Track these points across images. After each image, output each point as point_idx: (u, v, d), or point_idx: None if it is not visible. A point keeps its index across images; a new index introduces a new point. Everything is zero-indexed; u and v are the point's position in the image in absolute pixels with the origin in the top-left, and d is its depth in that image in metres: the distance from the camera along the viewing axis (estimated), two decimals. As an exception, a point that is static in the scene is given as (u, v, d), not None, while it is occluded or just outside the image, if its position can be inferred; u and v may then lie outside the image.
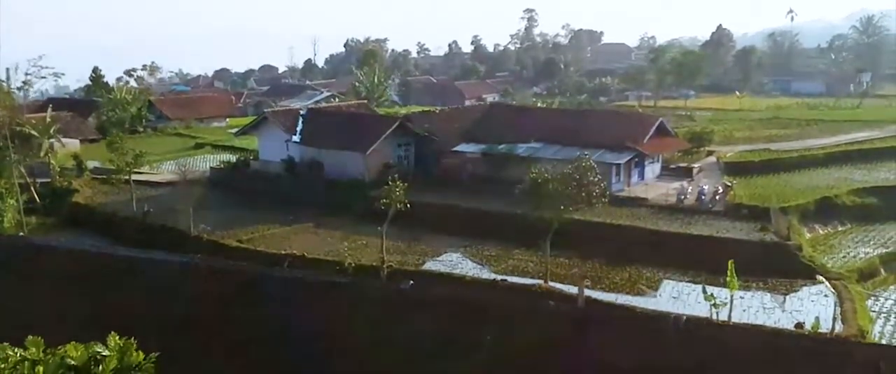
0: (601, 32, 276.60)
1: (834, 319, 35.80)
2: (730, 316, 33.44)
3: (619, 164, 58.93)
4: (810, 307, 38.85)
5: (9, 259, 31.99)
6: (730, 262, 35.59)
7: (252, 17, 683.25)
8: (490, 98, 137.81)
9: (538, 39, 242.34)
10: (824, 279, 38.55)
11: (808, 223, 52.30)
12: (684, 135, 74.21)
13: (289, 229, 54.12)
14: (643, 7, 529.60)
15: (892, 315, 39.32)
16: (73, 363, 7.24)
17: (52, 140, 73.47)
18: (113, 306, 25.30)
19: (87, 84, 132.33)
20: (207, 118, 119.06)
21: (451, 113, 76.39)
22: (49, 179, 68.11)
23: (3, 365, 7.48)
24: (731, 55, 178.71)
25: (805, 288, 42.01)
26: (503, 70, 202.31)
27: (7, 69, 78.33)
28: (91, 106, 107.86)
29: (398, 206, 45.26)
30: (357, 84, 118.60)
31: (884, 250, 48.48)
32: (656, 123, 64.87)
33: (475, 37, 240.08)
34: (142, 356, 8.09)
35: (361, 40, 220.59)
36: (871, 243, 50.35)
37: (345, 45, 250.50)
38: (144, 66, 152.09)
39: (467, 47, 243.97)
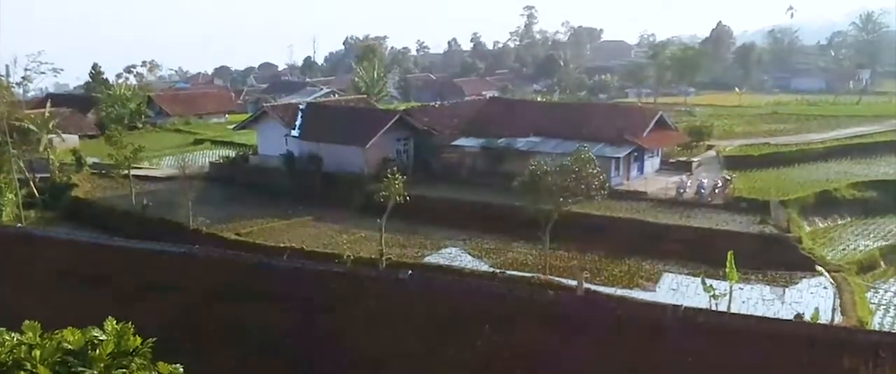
0: (601, 30, 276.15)
1: (833, 310, 35.82)
2: (729, 307, 33.41)
3: (618, 157, 58.88)
4: (810, 299, 38.86)
5: (5, 249, 31.81)
6: (729, 253, 35.58)
7: (252, 16, 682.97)
8: (489, 95, 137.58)
9: (538, 37, 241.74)
10: (823, 270, 38.54)
11: (807, 217, 52.24)
12: (684, 129, 74.12)
13: (287, 223, 54.15)
14: (643, 5, 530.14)
15: (892, 307, 39.32)
16: (69, 346, 7.18)
17: (51, 136, 73.38)
18: (110, 295, 25.17)
19: (87, 81, 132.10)
20: (207, 114, 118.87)
21: (451, 108, 76.29)
22: (48, 175, 68.12)
23: (-1, 349, 7.45)
24: (730, 52, 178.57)
25: (804, 280, 41.99)
26: (503, 67, 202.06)
27: (6, 66, 78.12)
28: (90, 102, 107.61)
29: (397, 199, 45.24)
30: (356, 79, 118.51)
31: (883, 243, 48.45)
32: (656, 117, 64.84)
33: (474, 34, 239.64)
34: (139, 340, 8.03)
35: (361, 38, 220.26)
36: (871, 236, 50.31)
37: (344, 43, 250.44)
38: (144, 62, 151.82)
39: (467, 45, 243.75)
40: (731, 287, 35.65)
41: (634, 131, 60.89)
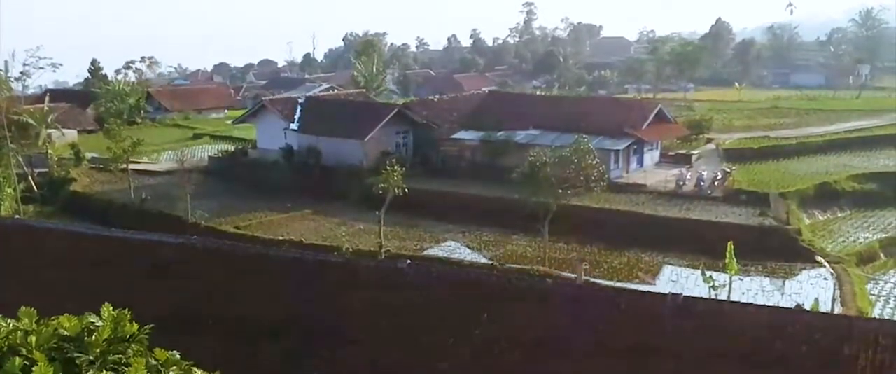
0: (600, 26, 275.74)
1: (833, 300, 35.77)
2: (729, 298, 33.34)
3: (617, 150, 58.78)
4: (809, 290, 38.81)
5: (3, 240, 31.74)
6: (729, 243, 35.49)
7: (251, 13, 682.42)
8: (488, 90, 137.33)
9: (537, 33, 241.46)
10: (823, 261, 38.48)
11: (807, 209, 52.19)
12: (683, 123, 74.04)
13: (286, 216, 54.10)
14: (643, 3, 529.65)
15: (892, 298, 39.27)
16: (66, 333, 7.08)
17: (50, 131, 73.29)
18: (108, 285, 25.14)
19: (86, 78, 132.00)
20: (206, 110, 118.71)
21: (450, 101, 76.17)
22: (47, 170, 68.05)
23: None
24: (730, 48, 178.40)
25: (804, 272, 41.95)
26: (502, 64, 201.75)
27: (5, 62, 78.11)
28: (89, 97, 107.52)
29: (396, 191, 45.18)
30: (355, 74, 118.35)
31: (883, 235, 48.39)
32: (655, 110, 64.75)
33: (474, 30, 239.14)
34: (136, 327, 7.93)
35: (360, 34, 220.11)
36: (871, 228, 50.26)
37: (344, 40, 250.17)
38: (143, 58, 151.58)
39: (466, 41, 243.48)
40: (730, 278, 35.60)
41: (634, 124, 60.81)
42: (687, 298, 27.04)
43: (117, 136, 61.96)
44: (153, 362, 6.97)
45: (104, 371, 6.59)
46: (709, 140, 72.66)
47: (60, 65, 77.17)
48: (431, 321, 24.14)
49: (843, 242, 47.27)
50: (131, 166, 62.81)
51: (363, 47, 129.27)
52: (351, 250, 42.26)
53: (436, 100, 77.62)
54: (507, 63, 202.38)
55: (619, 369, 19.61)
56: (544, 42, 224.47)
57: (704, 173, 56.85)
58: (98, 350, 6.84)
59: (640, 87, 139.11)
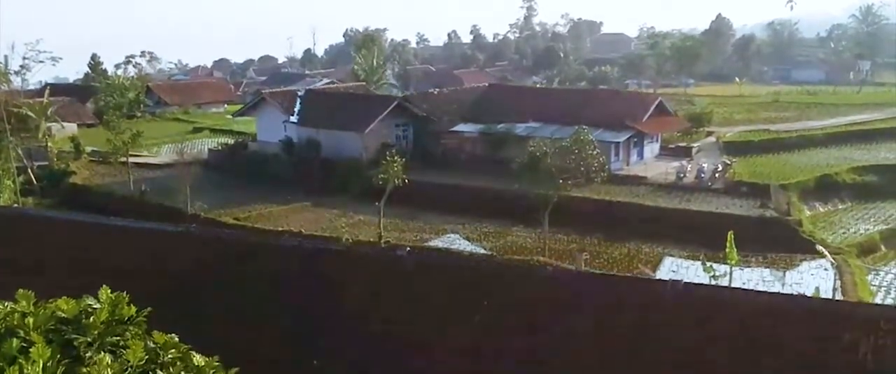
0: (600, 23, 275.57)
1: (834, 291, 35.67)
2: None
3: (617, 142, 58.67)
4: (810, 281, 38.72)
5: (2, 229, 31.68)
6: (729, 233, 35.39)
7: (252, 10, 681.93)
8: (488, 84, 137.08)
9: (537, 29, 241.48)
10: (824, 250, 38.37)
11: (808, 201, 52.11)
12: (683, 116, 73.97)
13: (286, 208, 54.00)
14: (643, 2, 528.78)
15: (893, 289, 39.19)
16: (64, 315, 7.01)
17: (50, 124, 73.21)
18: (107, 273, 24.55)
19: (86, 73, 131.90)
20: (206, 104, 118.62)
21: (450, 94, 76.05)
22: (46, 163, 67.96)
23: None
24: (730, 44, 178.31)
25: (805, 263, 41.87)
26: (502, 59, 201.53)
27: (5, 57, 77.95)
28: (89, 92, 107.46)
29: (396, 182, 45.10)
30: (355, 67, 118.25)
31: (884, 227, 48.31)
32: (655, 103, 64.66)
33: (474, 26, 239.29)
34: (134, 309, 7.86)
35: (361, 30, 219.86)
36: (871, 220, 50.18)
37: (344, 36, 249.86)
38: (143, 52, 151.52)
39: (467, 37, 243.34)
40: (731, 269, 35.53)
41: (634, 117, 60.69)
42: (687, 284, 26.96)
43: (117, 127, 61.86)
44: (151, 344, 6.89)
45: (102, 352, 6.51)
46: (709, 133, 72.64)
47: (60, 59, 77.01)
48: (431, 307, 24.02)
49: (844, 233, 47.19)
50: (131, 159, 62.80)
51: (363, 41, 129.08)
52: (350, 240, 42.18)
53: (436, 93, 77.51)
54: (508, 59, 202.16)
55: (619, 353, 19.53)
56: (544, 38, 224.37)
57: (705, 166, 56.81)
58: (96, 332, 6.77)
59: (641, 82, 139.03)
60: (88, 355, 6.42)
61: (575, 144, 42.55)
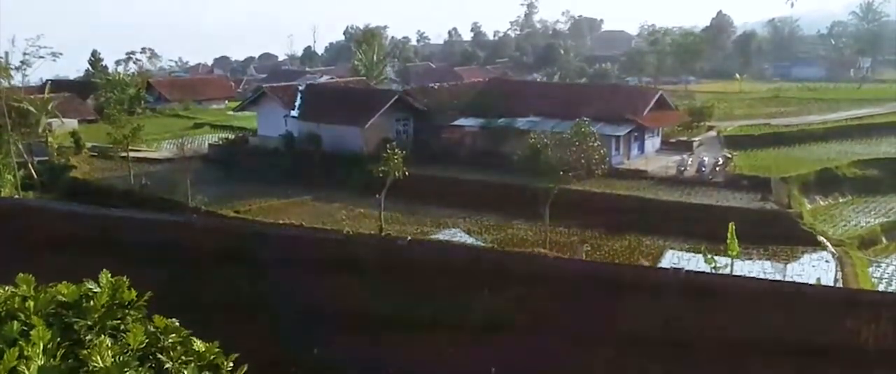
0: (601, 20, 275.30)
1: (835, 282, 35.66)
2: (730, 278, 33.19)
3: (618, 136, 58.56)
4: (811, 272, 38.69)
5: (2, 220, 31.51)
6: (730, 224, 35.36)
7: (252, 8, 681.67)
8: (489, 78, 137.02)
9: (538, 26, 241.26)
10: (826, 241, 38.38)
11: (808, 194, 52.09)
12: (684, 111, 73.94)
13: (286, 202, 53.99)
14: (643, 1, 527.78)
15: (894, 281, 39.14)
16: (64, 299, 6.99)
17: (50, 120, 73.18)
18: (106, 261, 24.40)
19: (87, 69, 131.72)
20: (206, 100, 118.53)
21: (450, 89, 76.00)
22: (47, 158, 67.93)
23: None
24: (731, 41, 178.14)
25: (806, 255, 41.86)
26: (503, 57, 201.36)
27: (6, 53, 77.92)
28: (90, 88, 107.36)
29: (396, 174, 45.10)
30: (356, 62, 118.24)
31: (885, 220, 48.29)
32: (656, 97, 64.62)
33: (475, 24, 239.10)
34: (134, 294, 7.83)
35: (361, 28, 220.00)
36: (873, 213, 50.17)
37: (344, 33, 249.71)
38: (144, 49, 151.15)
39: (467, 35, 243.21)
40: (732, 261, 35.50)
41: (634, 111, 60.65)
42: (689, 272, 26.96)
43: (118, 121, 61.84)
44: (152, 328, 6.86)
45: (102, 336, 6.49)
46: (710, 128, 72.59)
47: (60, 54, 76.97)
48: (432, 296, 23.99)
49: (845, 226, 47.17)
50: (131, 154, 62.81)
51: (364, 37, 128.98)
52: (351, 233, 42.12)
53: (436, 87, 77.47)
54: (508, 56, 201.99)
55: (620, 341, 19.52)
56: (545, 35, 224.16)
57: (706, 159, 56.80)
58: (96, 316, 6.74)
59: (641, 79, 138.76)
60: (89, 338, 6.40)
61: (576, 137, 42.52)
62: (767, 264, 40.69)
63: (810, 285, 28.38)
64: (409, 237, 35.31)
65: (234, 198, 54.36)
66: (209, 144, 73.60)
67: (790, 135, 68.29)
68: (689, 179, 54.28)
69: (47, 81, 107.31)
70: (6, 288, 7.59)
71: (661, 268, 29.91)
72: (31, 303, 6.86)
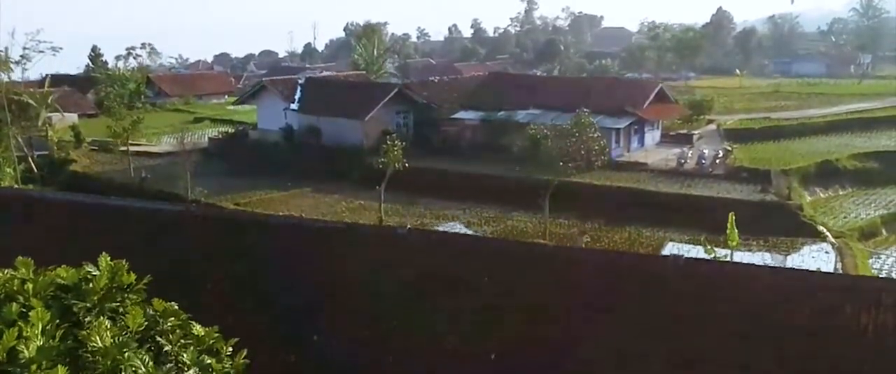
0: (601, 17, 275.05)
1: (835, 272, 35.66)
2: (730, 268, 33.18)
3: (618, 128, 58.51)
4: (811, 263, 38.73)
5: (2, 210, 31.34)
6: (730, 214, 35.34)
7: (252, 4, 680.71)
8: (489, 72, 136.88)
9: (538, 23, 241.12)
10: (826, 231, 38.38)
11: (808, 187, 52.10)
12: (684, 104, 73.93)
13: (286, 194, 54.04)
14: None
15: (894, 272, 39.13)
16: (63, 282, 6.98)
17: (50, 114, 73.12)
18: (106, 250, 24.37)
19: (87, 65, 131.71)
20: (206, 95, 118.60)
21: (450, 83, 76.00)
22: (47, 152, 67.92)
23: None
24: (731, 37, 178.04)
25: (806, 246, 41.89)
26: (503, 53, 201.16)
27: (5, 48, 77.84)
28: (90, 83, 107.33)
29: (396, 166, 45.13)
30: (356, 57, 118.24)
31: (885, 212, 48.32)
32: (656, 90, 64.57)
33: (475, 20, 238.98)
34: (133, 277, 7.83)
35: (361, 24, 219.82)
36: (873, 205, 50.22)
37: (344, 30, 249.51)
38: (144, 44, 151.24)
39: (467, 31, 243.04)
40: (732, 251, 35.48)
41: (634, 104, 60.57)
42: (689, 259, 26.87)
43: (118, 114, 61.84)
44: (151, 311, 6.85)
45: (101, 318, 6.47)
46: (710, 121, 72.62)
47: (60, 49, 76.89)
48: (432, 284, 23.92)
49: (845, 218, 47.16)
50: (131, 148, 62.86)
51: (364, 32, 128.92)
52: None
53: (436, 81, 77.40)
54: (508, 53, 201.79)
55: (620, 330, 19.51)
56: (545, 32, 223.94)
57: (706, 152, 56.81)
58: (95, 298, 6.73)
59: (641, 75, 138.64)
60: (88, 320, 6.40)
61: (575, 128, 42.48)
62: (767, 255, 40.71)
63: (809, 271, 28.34)
64: (409, 226, 35.24)
65: (233, 190, 54.36)
66: (209, 138, 73.57)
67: (790, 128, 68.31)
68: (689, 171, 54.31)
69: (47, 75, 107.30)
70: (5, 271, 7.58)
71: (660, 255, 29.96)
72: (30, 285, 6.85)
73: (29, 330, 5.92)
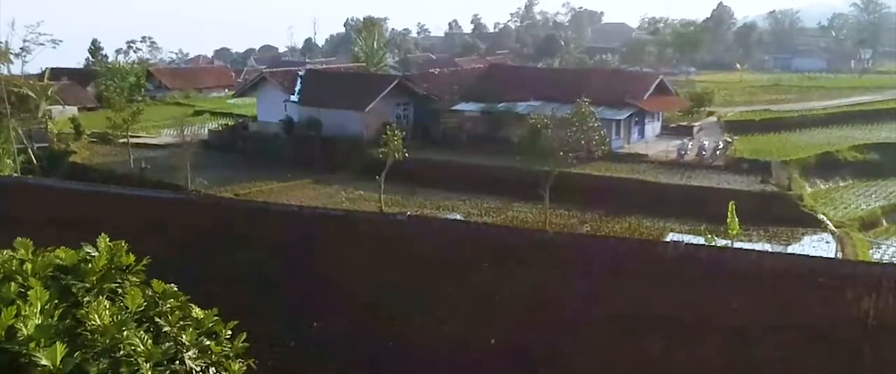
0: (602, 13, 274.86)
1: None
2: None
3: (618, 120, 58.51)
4: (812, 253, 38.59)
5: (2, 197, 31.51)
6: (731, 203, 35.34)
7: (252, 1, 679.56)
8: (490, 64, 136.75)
9: (538, 18, 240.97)
10: (827, 220, 38.39)
11: (809, 178, 52.14)
12: (685, 96, 73.91)
13: (286, 185, 53.96)
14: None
15: (894, 262, 39.07)
16: (62, 263, 6.95)
17: (51, 107, 73.08)
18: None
19: (87, 58, 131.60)
20: (207, 89, 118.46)
21: (451, 74, 75.88)
22: (46, 144, 67.86)
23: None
24: (731, 32, 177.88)
25: (806, 237, 41.86)
26: (503, 48, 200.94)
27: (6, 40, 77.85)
28: (90, 76, 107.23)
29: (396, 156, 45.10)
30: (356, 49, 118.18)
31: (885, 202, 48.36)
32: (656, 81, 64.50)
33: (475, 16, 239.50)
34: (133, 258, 7.79)
35: (361, 19, 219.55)
36: (873, 196, 50.26)
37: (345, 25, 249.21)
38: (144, 38, 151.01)
39: (467, 27, 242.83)
40: (732, 241, 35.48)
41: (635, 95, 60.53)
42: (688, 245, 26.87)
43: (118, 105, 61.81)
44: (150, 293, 6.82)
45: (100, 298, 6.44)
46: (710, 113, 72.58)
47: (60, 41, 76.82)
48: (431, 270, 23.83)
49: (845, 209, 47.16)
50: (131, 140, 62.79)
51: (364, 25, 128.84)
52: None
53: (436, 73, 77.27)
54: (509, 48, 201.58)
55: (621, 314, 19.46)
56: (545, 27, 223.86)
57: (706, 143, 56.81)
58: (94, 278, 6.70)
59: (642, 70, 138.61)
60: (87, 299, 6.37)
61: (576, 118, 42.42)
62: (768, 245, 40.66)
63: (811, 256, 28.34)
64: (409, 212, 35.27)
65: (233, 181, 54.35)
66: (209, 130, 73.46)
67: (791, 120, 68.30)
68: (690, 162, 54.32)
69: (47, 68, 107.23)
70: (4, 252, 7.54)
71: (661, 241, 30.05)
72: (29, 266, 6.82)
73: (27, 309, 5.89)
